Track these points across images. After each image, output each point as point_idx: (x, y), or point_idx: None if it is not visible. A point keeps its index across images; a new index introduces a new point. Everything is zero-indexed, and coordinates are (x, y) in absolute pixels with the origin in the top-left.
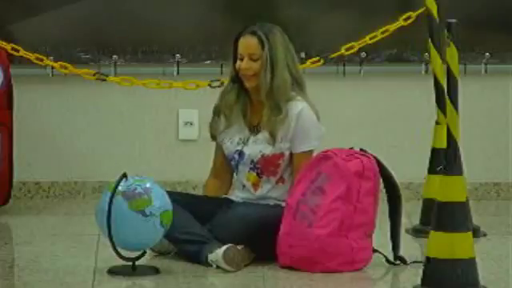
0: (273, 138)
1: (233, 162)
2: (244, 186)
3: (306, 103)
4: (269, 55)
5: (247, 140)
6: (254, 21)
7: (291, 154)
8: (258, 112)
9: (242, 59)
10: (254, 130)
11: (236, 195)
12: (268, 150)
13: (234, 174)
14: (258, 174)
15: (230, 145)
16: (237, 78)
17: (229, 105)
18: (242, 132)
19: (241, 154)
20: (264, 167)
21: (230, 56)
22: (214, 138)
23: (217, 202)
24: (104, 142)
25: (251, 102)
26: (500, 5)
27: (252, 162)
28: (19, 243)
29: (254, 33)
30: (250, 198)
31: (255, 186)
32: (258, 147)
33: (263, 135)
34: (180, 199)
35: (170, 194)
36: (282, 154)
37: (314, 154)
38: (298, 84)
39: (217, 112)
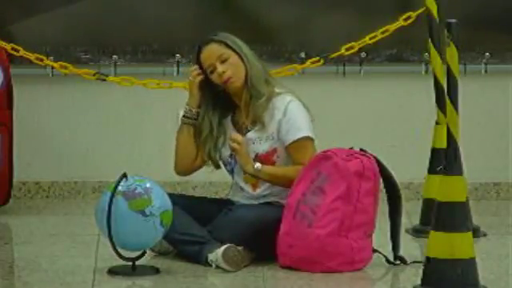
0: (261, 124)
1: (228, 167)
2: (242, 189)
3: (294, 96)
4: (236, 48)
5: None
6: (253, 21)
7: (285, 149)
8: (245, 113)
9: (213, 70)
10: (244, 131)
11: (236, 199)
12: (261, 149)
13: (231, 178)
14: None
15: (224, 149)
16: (216, 97)
17: (211, 128)
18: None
19: (235, 157)
20: None
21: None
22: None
23: (217, 204)
24: (104, 142)
25: (237, 107)
26: (500, 5)
27: None
28: (19, 243)
29: (211, 40)
30: (250, 198)
31: (254, 186)
32: (250, 148)
33: (253, 134)
34: (179, 201)
35: (170, 196)
36: (275, 150)
37: (314, 154)
38: (272, 84)
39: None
